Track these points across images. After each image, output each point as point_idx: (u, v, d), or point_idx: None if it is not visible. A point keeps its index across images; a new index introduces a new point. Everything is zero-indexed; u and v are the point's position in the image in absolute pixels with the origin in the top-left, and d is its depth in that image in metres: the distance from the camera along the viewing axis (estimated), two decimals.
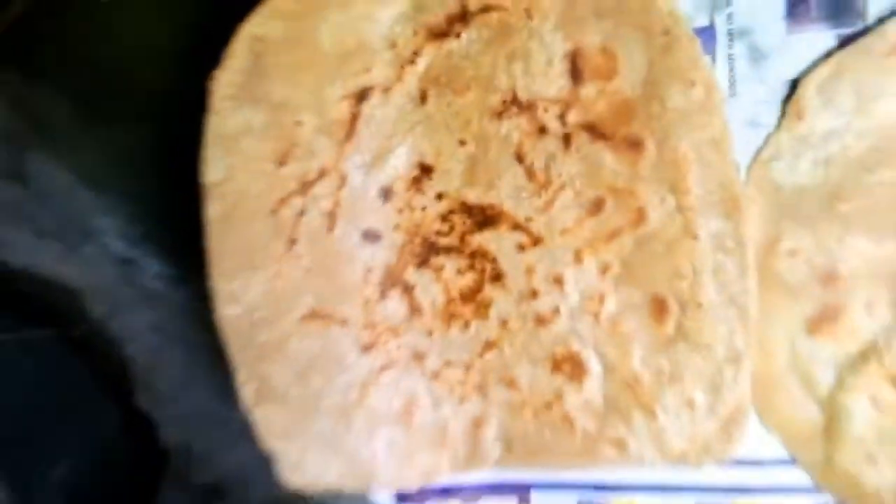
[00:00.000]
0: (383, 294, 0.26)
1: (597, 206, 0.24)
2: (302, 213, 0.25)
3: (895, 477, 0.24)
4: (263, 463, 0.32)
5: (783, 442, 0.25)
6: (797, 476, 0.25)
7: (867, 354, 0.23)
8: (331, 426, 0.26)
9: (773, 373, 0.24)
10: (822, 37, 0.23)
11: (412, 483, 0.28)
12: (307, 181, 0.25)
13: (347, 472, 0.27)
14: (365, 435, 0.26)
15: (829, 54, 0.22)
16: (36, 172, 0.31)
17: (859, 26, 0.22)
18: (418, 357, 0.27)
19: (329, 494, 0.28)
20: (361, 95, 0.25)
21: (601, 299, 0.24)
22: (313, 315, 0.26)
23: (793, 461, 0.25)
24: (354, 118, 0.25)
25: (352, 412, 0.26)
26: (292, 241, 0.25)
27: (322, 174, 0.25)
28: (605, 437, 0.25)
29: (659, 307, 0.24)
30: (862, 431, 0.24)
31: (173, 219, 0.30)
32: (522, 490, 0.28)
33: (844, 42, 0.22)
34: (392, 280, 0.26)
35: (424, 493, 0.28)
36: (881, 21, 0.22)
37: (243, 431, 0.33)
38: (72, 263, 0.32)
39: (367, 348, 0.27)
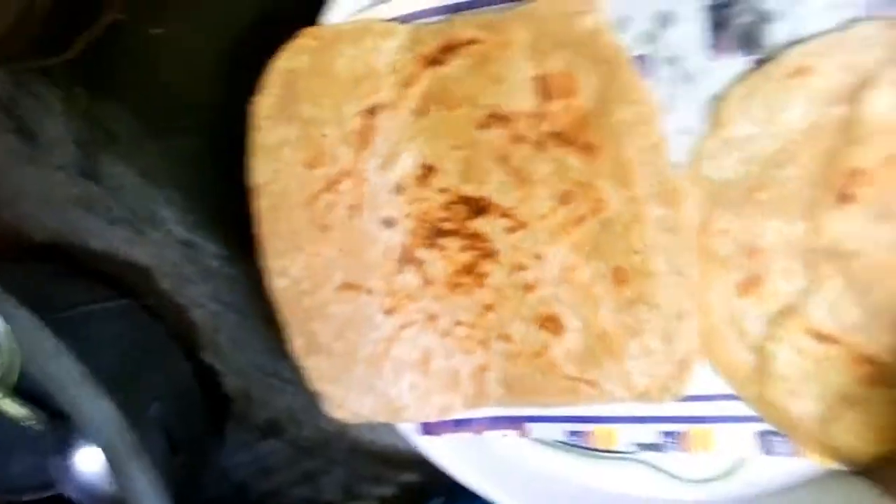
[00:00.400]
0: (400, 269, 0.38)
1: (566, 198, 0.34)
2: (331, 205, 0.37)
3: (815, 408, 0.35)
4: (308, 406, 0.45)
5: (726, 381, 0.36)
6: (739, 408, 0.37)
7: (787, 312, 0.34)
8: (365, 372, 0.39)
9: (714, 326, 0.35)
10: (738, 62, 0.32)
11: (431, 417, 0.40)
12: (333, 181, 0.36)
13: (380, 408, 0.39)
14: (392, 379, 0.39)
15: (744, 76, 0.32)
16: (108, 172, 0.43)
17: (766, 54, 0.31)
18: (432, 318, 0.39)
19: (366, 426, 0.41)
20: (373, 111, 0.36)
21: (574, 270, 0.35)
22: (346, 286, 0.38)
23: (735, 396, 0.37)
24: (368, 130, 0.36)
25: (380, 362, 0.39)
26: (325, 228, 0.37)
27: (345, 175, 0.36)
28: (583, 379, 0.37)
29: (621, 276, 0.35)
30: (786, 372, 0.35)
31: (222, 209, 0.42)
32: (520, 422, 0.41)
33: (756, 66, 0.32)
34: (407, 257, 0.38)
35: (442, 424, 0.41)
36: (783, 49, 0.31)
37: (290, 380, 0.46)
38: (142, 246, 0.45)
39: (389, 312, 0.39)
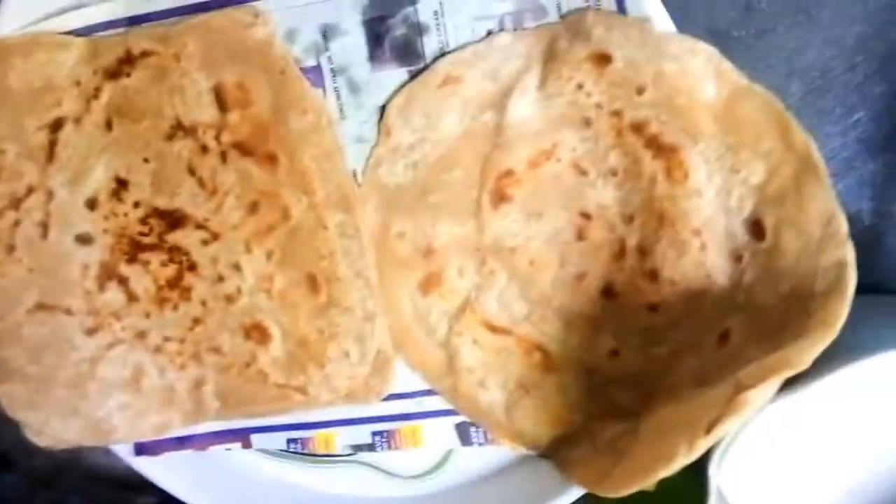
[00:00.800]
0: (102, 286, 0.36)
1: (253, 208, 0.35)
2: (16, 224, 0.35)
3: (499, 396, 0.37)
4: None
5: (423, 378, 0.37)
6: (440, 402, 0.38)
7: (464, 307, 0.36)
8: (67, 395, 0.37)
9: (404, 326, 0.36)
10: (396, 73, 0.34)
11: (147, 436, 0.38)
12: (17, 198, 0.35)
13: (86, 431, 0.37)
14: (98, 400, 0.37)
15: (403, 86, 0.34)
16: None
17: (421, 64, 0.34)
18: (140, 335, 0.37)
19: (101, 451, 0.38)
20: (56, 125, 0.34)
21: (270, 279, 0.36)
22: (40, 307, 0.36)
23: (434, 391, 0.38)
24: (53, 144, 0.34)
25: (84, 383, 0.37)
26: (11, 248, 0.35)
27: (30, 191, 0.35)
28: (291, 386, 0.37)
29: (312, 282, 0.35)
30: (471, 364, 0.36)
31: None
32: (244, 434, 0.40)
33: (413, 76, 0.34)
34: (108, 274, 0.36)
35: (162, 443, 0.39)
36: (435, 60, 0.33)
37: None
38: None
39: (92, 331, 0.37)
